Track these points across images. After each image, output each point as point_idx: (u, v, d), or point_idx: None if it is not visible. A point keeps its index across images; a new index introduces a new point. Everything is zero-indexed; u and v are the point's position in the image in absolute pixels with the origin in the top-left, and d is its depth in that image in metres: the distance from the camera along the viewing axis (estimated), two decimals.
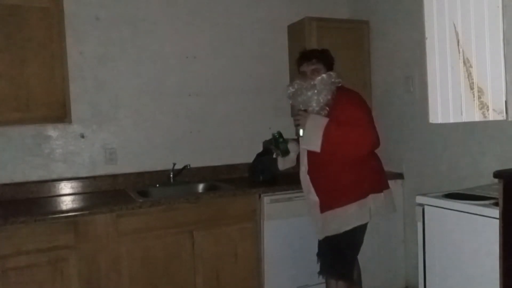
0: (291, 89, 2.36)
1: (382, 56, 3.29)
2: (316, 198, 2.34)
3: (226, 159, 3.26)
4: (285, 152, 2.52)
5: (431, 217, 2.09)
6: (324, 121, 2.22)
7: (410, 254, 3.06)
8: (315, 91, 2.25)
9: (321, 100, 2.25)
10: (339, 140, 2.19)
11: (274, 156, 2.64)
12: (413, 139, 3.05)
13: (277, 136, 2.52)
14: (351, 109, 2.23)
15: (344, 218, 2.26)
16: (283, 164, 2.63)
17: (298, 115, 2.28)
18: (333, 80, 2.28)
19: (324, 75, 2.27)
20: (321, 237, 2.37)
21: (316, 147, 2.21)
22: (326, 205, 2.31)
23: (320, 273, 2.42)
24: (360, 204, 2.26)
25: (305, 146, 2.30)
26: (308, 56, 2.36)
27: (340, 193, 2.28)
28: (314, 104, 2.25)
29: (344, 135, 2.18)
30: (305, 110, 2.28)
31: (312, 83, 2.27)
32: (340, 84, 2.32)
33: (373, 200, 2.29)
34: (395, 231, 3.13)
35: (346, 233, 2.28)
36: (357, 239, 2.36)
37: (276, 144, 2.52)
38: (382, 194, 2.34)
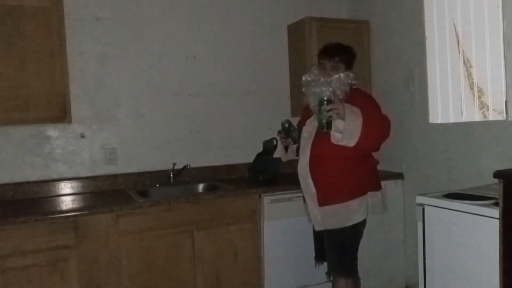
0: (307, 78, 2.28)
1: (382, 56, 3.29)
2: (314, 191, 2.30)
3: (226, 159, 3.26)
4: (297, 140, 2.47)
5: (431, 217, 2.09)
6: (359, 112, 2.10)
7: (410, 254, 3.06)
8: (330, 88, 2.18)
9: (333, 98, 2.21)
10: (372, 131, 2.12)
11: (292, 143, 2.51)
12: (413, 139, 3.05)
13: (286, 126, 2.47)
14: (371, 104, 2.24)
15: (345, 214, 2.27)
16: (286, 156, 2.59)
17: (336, 104, 2.10)
18: (349, 81, 2.23)
19: (342, 74, 2.22)
20: (319, 229, 2.33)
21: (355, 139, 2.11)
22: (324, 199, 2.28)
23: (328, 273, 2.38)
24: (361, 201, 2.28)
25: (345, 141, 2.14)
26: (331, 53, 2.30)
27: (341, 188, 2.26)
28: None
29: (377, 126, 2.16)
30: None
31: (328, 80, 2.21)
32: (355, 86, 2.30)
33: (371, 198, 2.32)
34: (395, 231, 3.12)
35: (350, 229, 2.28)
36: (360, 234, 2.38)
37: (288, 133, 2.45)
38: (379, 192, 2.37)
